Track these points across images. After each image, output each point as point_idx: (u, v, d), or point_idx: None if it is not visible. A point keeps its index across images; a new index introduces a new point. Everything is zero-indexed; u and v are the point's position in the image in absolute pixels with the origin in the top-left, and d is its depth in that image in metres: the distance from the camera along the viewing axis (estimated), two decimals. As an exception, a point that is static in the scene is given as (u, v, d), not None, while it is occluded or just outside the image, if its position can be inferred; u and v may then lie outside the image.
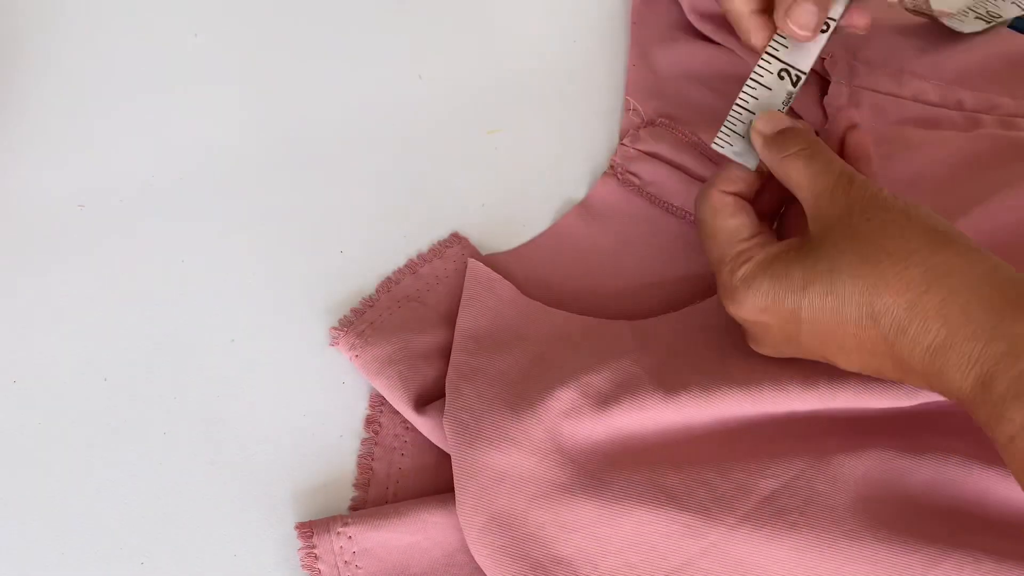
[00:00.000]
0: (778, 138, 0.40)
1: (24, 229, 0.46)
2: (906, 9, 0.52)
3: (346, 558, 0.38)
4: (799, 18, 0.41)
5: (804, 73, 0.43)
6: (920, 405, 0.39)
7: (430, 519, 0.38)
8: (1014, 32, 0.54)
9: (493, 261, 0.46)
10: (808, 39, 0.41)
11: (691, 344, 0.42)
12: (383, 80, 0.52)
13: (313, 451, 0.42)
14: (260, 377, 0.43)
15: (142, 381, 0.43)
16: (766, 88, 0.43)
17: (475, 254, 0.46)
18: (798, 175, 0.38)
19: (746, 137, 0.42)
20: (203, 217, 0.47)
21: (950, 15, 0.53)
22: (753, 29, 0.44)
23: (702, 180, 0.49)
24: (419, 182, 0.49)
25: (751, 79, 0.43)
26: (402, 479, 0.41)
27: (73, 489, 0.40)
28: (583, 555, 0.36)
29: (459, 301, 0.44)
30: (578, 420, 0.38)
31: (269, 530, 0.40)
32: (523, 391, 0.39)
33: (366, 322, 0.43)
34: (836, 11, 0.43)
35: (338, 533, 0.38)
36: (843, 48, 0.52)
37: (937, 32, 0.53)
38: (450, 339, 0.43)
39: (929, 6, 0.52)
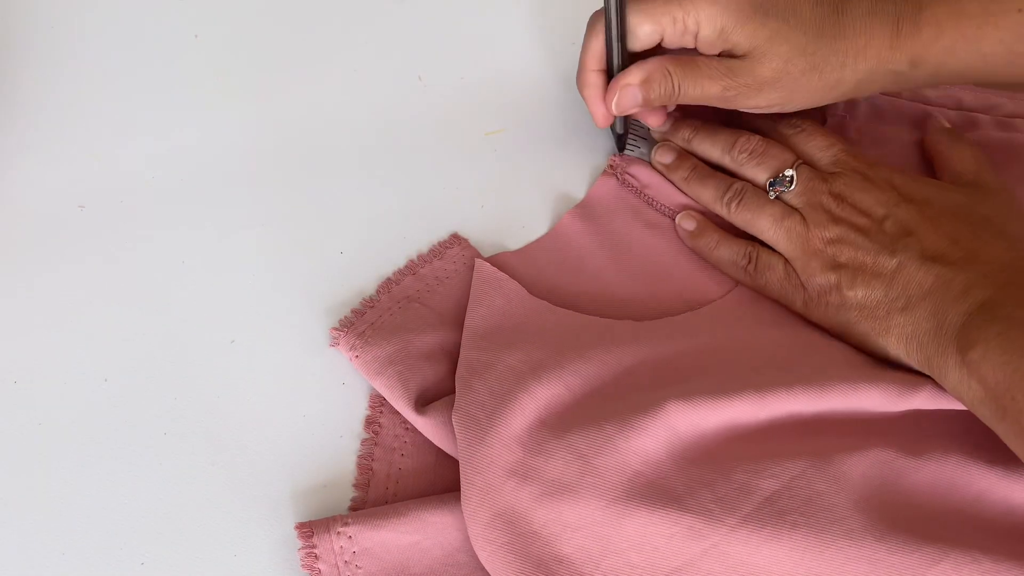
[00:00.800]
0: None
1: (24, 229, 0.46)
2: None
3: (346, 558, 0.38)
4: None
5: None
6: (915, 411, 0.39)
7: (430, 519, 0.38)
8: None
9: (496, 261, 0.46)
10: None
11: (696, 347, 0.43)
12: (383, 81, 0.52)
13: (313, 451, 0.42)
14: (260, 377, 0.43)
15: (142, 381, 0.43)
16: None
17: (475, 254, 0.46)
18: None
19: (647, 139, 0.50)
20: (203, 217, 0.47)
21: None
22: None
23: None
24: (419, 182, 0.49)
25: None
26: (402, 479, 0.41)
27: (73, 489, 0.40)
28: (585, 554, 0.36)
29: (460, 302, 0.44)
30: (585, 421, 0.38)
31: (269, 530, 0.40)
32: (533, 389, 0.39)
33: (366, 323, 0.43)
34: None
35: (338, 533, 0.38)
36: None
37: None
38: (451, 339, 0.43)
39: None
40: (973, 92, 0.50)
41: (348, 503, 0.41)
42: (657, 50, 0.45)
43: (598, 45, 0.44)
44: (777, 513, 0.36)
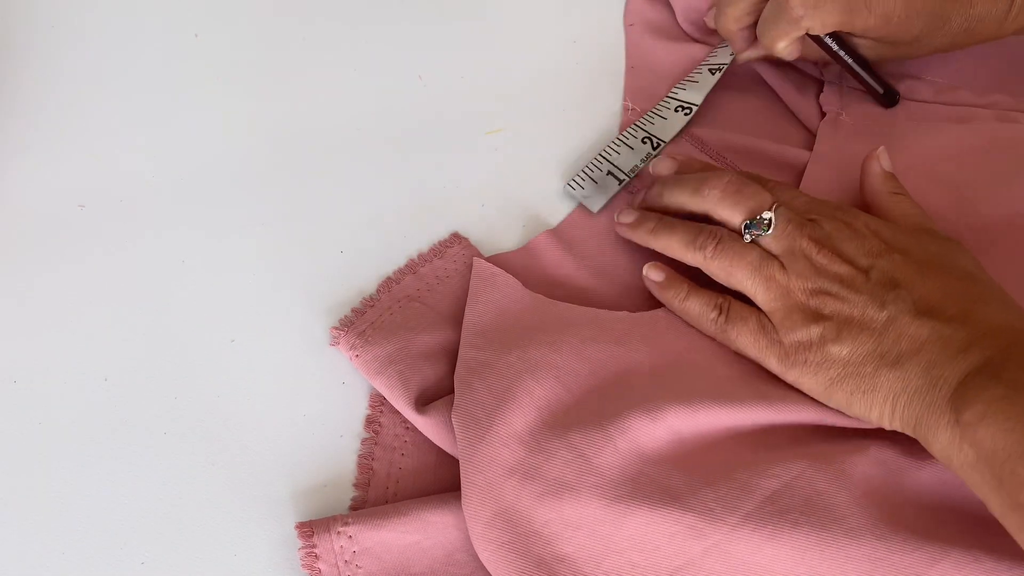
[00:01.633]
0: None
1: (24, 229, 0.46)
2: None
3: (346, 557, 0.38)
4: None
5: (664, 142, 0.50)
6: None
7: (430, 519, 0.38)
8: (1014, 36, 0.54)
9: (496, 260, 0.46)
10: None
11: (693, 341, 0.42)
12: (383, 80, 0.52)
13: (313, 451, 0.42)
14: (260, 377, 0.43)
15: (142, 381, 0.43)
16: (629, 148, 0.49)
17: (475, 254, 0.46)
18: None
19: (598, 183, 0.48)
20: (203, 217, 0.47)
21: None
22: (744, 43, 0.50)
23: None
24: (419, 182, 0.49)
25: (618, 138, 0.50)
26: (402, 479, 0.41)
27: (73, 489, 0.40)
28: (586, 553, 0.36)
29: (460, 301, 0.44)
30: (585, 419, 0.38)
31: (269, 530, 0.40)
32: (532, 388, 0.39)
33: (366, 322, 0.43)
34: (697, 99, 0.50)
35: (338, 533, 0.38)
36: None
37: None
38: (451, 338, 0.43)
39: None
40: (973, 89, 0.50)
41: (348, 503, 0.40)
42: None
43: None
44: (778, 512, 0.36)
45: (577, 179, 0.48)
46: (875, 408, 0.37)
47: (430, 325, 0.43)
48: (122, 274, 0.45)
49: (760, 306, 0.40)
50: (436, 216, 0.48)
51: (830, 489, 0.36)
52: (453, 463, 0.41)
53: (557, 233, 0.47)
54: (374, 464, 0.41)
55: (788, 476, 0.37)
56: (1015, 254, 0.44)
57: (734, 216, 0.41)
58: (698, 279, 0.43)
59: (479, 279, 0.44)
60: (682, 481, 0.37)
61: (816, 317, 0.39)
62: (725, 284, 0.42)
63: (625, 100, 0.52)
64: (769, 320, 0.40)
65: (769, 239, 0.40)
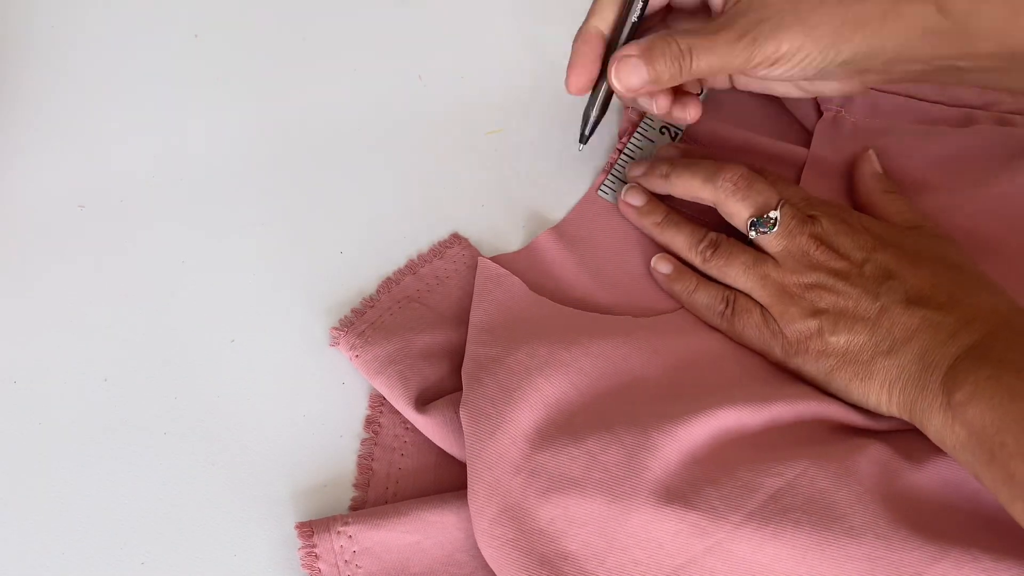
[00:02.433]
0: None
1: (24, 229, 0.46)
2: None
3: (346, 557, 0.38)
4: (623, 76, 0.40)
5: (681, 130, 0.50)
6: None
7: (430, 519, 0.38)
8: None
9: (497, 261, 0.46)
10: (625, 96, 0.42)
11: (701, 343, 0.43)
12: (383, 80, 0.52)
13: (313, 451, 0.42)
14: (260, 377, 0.43)
15: (142, 381, 0.43)
16: (649, 141, 0.50)
17: (475, 254, 0.46)
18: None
19: (627, 181, 0.47)
20: (203, 217, 0.47)
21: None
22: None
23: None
24: (419, 182, 0.49)
25: (637, 133, 0.50)
26: (402, 479, 0.41)
27: (73, 489, 0.40)
28: (589, 550, 0.36)
29: (460, 301, 0.44)
30: (592, 418, 0.38)
31: (269, 530, 0.40)
32: (540, 385, 0.39)
33: (366, 322, 0.43)
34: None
35: (338, 532, 0.38)
36: None
37: None
38: (451, 339, 0.43)
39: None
40: (972, 89, 0.50)
41: (348, 503, 0.41)
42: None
43: (611, 9, 0.42)
44: (780, 510, 0.36)
45: (608, 185, 0.48)
46: (872, 394, 0.39)
47: (430, 325, 0.43)
48: (122, 274, 0.45)
49: (759, 301, 0.42)
50: (436, 216, 0.48)
51: (831, 488, 0.36)
52: (453, 463, 0.41)
53: (559, 232, 0.47)
54: (374, 464, 0.41)
55: (791, 475, 0.37)
56: (1008, 255, 0.44)
57: (743, 211, 0.42)
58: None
59: (485, 279, 0.44)
60: (686, 479, 0.37)
61: (813, 310, 0.40)
62: (723, 282, 0.43)
63: (625, 100, 0.52)
64: (770, 314, 0.42)
65: (771, 237, 0.42)
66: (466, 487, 0.38)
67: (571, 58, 0.43)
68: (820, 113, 0.50)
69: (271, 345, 0.44)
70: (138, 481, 0.41)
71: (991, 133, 0.48)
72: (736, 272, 0.42)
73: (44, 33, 0.53)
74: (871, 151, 0.47)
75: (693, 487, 0.36)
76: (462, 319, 0.44)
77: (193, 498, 0.40)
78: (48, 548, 0.39)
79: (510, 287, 0.44)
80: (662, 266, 0.45)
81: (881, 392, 0.39)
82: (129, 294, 0.45)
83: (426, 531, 0.38)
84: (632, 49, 0.40)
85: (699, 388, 0.41)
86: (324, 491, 0.41)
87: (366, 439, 0.42)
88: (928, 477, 0.38)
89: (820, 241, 0.41)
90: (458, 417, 0.39)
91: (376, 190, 0.49)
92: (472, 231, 0.48)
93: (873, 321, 0.39)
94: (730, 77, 0.45)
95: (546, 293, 0.45)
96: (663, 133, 0.50)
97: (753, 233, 0.42)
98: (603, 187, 0.48)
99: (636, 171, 0.47)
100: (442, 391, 0.42)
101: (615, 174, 0.49)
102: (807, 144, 0.49)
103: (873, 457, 0.38)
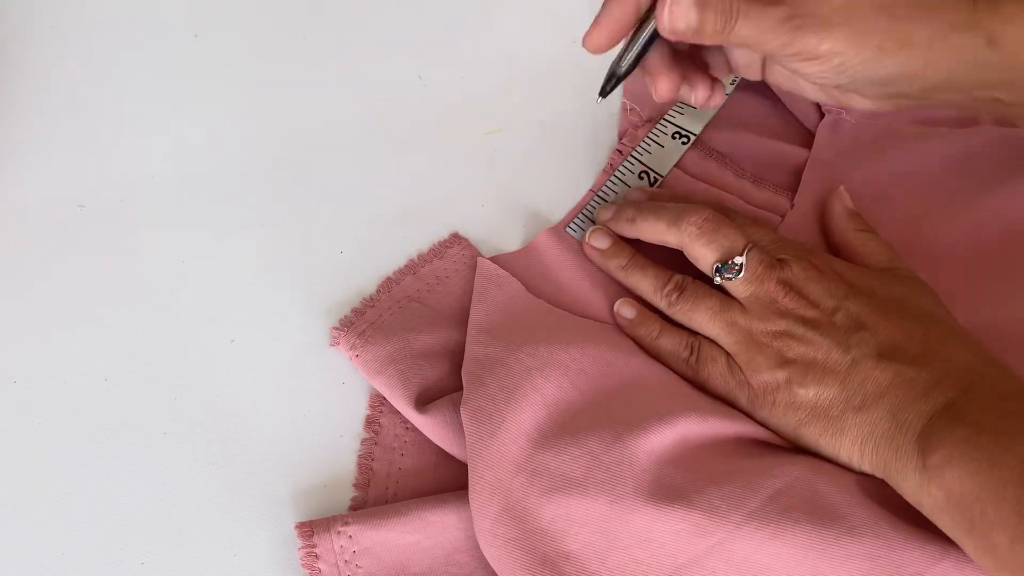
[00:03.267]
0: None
1: (24, 229, 0.46)
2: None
3: (346, 557, 0.38)
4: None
5: (662, 176, 0.48)
6: None
7: (430, 518, 0.38)
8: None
9: (497, 261, 0.46)
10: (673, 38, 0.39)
11: None
12: (383, 80, 0.52)
13: (313, 451, 0.42)
14: (260, 377, 0.43)
15: (142, 381, 0.43)
16: (625, 185, 0.48)
17: (475, 254, 0.46)
18: None
19: (595, 222, 0.46)
20: (203, 217, 0.47)
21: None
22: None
23: (699, 178, 0.49)
24: (419, 182, 0.49)
25: (615, 176, 0.48)
26: (402, 479, 0.41)
27: (73, 489, 0.40)
28: (591, 550, 0.36)
29: (460, 301, 0.44)
30: (594, 418, 0.38)
31: (269, 530, 0.40)
32: (541, 385, 0.39)
33: (366, 322, 0.43)
34: (696, 127, 0.49)
35: (338, 532, 0.38)
36: None
37: None
38: (451, 338, 0.43)
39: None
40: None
41: (348, 503, 0.41)
42: None
43: None
44: (781, 510, 0.36)
45: (576, 224, 0.47)
46: (843, 450, 0.37)
47: (430, 325, 0.43)
48: (122, 274, 0.45)
49: (725, 349, 0.40)
50: (436, 216, 0.48)
51: (832, 488, 0.36)
52: (453, 463, 0.41)
53: (558, 232, 0.47)
54: (374, 464, 0.41)
55: (790, 476, 0.37)
56: (1009, 259, 0.44)
57: (707, 255, 0.41)
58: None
59: (484, 279, 0.44)
60: (687, 479, 0.37)
61: (781, 360, 0.39)
62: (689, 327, 0.42)
63: (625, 100, 0.52)
64: (735, 362, 0.40)
65: (737, 283, 0.40)
66: (466, 487, 0.38)
67: (599, 15, 0.41)
68: (821, 113, 0.50)
69: (271, 345, 0.44)
70: (138, 481, 0.41)
71: (993, 134, 0.48)
72: (702, 318, 0.41)
73: (44, 33, 0.53)
74: (842, 188, 0.45)
75: (694, 487, 0.36)
76: (462, 319, 0.44)
77: (193, 498, 0.40)
78: (48, 548, 0.39)
79: (509, 288, 0.44)
80: (625, 311, 0.43)
81: (852, 449, 0.37)
82: (129, 294, 0.45)
83: (426, 531, 0.38)
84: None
85: (700, 389, 0.41)
86: (324, 491, 0.41)
87: (366, 439, 0.42)
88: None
89: (789, 287, 0.39)
90: (458, 417, 0.39)
91: (376, 190, 0.49)
92: (472, 231, 0.48)
93: (844, 374, 0.37)
94: (763, 67, 0.44)
95: (545, 293, 0.45)
96: (641, 178, 0.48)
97: (718, 279, 0.41)
98: (571, 225, 0.47)
99: (604, 215, 0.45)
100: (442, 391, 0.42)
101: (585, 214, 0.47)
102: (808, 144, 0.49)
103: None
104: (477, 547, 0.38)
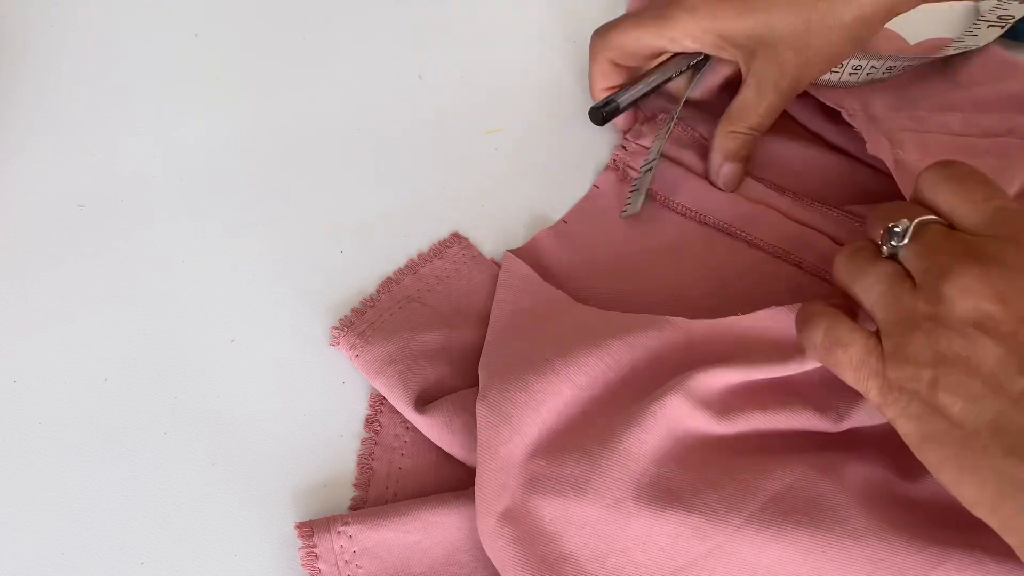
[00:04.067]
0: None
1: (24, 229, 0.46)
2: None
3: (346, 557, 0.38)
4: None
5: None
6: None
7: (431, 518, 0.38)
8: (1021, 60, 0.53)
9: (525, 251, 0.46)
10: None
11: (717, 348, 0.42)
12: (383, 80, 0.52)
13: (313, 451, 0.41)
14: (260, 377, 0.43)
15: (142, 381, 0.43)
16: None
17: (475, 254, 0.46)
18: None
19: (641, 191, 0.47)
20: (203, 217, 0.47)
21: (959, 39, 0.53)
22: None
23: (702, 175, 0.49)
24: (419, 182, 0.49)
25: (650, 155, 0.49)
26: (402, 479, 0.41)
27: (73, 489, 0.40)
28: (589, 551, 0.36)
29: (460, 301, 0.44)
30: (600, 422, 0.38)
31: (269, 530, 0.40)
32: (555, 386, 0.39)
33: (367, 322, 0.43)
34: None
35: (338, 532, 0.38)
36: (858, 101, 0.50)
37: (946, 78, 0.52)
38: (451, 339, 0.43)
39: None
40: (992, 115, 0.49)
41: (348, 503, 0.40)
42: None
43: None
44: (781, 512, 0.35)
45: (629, 203, 0.48)
46: (970, 490, 0.30)
47: (430, 325, 0.43)
48: (122, 274, 0.45)
49: (877, 325, 0.33)
50: (436, 216, 0.48)
51: (832, 490, 0.36)
52: (453, 463, 0.41)
53: (557, 230, 0.47)
54: (374, 464, 0.41)
55: (790, 478, 0.37)
56: None
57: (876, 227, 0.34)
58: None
59: (510, 274, 0.44)
60: (687, 482, 0.37)
61: (936, 358, 0.30)
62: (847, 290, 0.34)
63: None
64: (879, 345, 0.32)
65: (906, 251, 0.32)
66: (467, 487, 0.38)
67: (591, 87, 0.50)
68: (822, 114, 0.50)
69: (271, 345, 0.44)
70: (138, 481, 0.40)
71: (1018, 148, 0.47)
72: (867, 282, 0.33)
73: (43, 33, 0.53)
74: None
75: (694, 489, 0.36)
76: (462, 319, 0.44)
77: (193, 498, 0.40)
78: (48, 548, 0.39)
79: (534, 286, 0.44)
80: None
81: (983, 492, 0.29)
82: (129, 294, 0.45)
83: (427, 531, 0.38)
84: (724, 157, 0.47)
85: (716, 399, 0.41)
86: (324, 491, 0.41)
87: (366, 439, 0.42)
88: (929, 480, 0.38)
89: (980, 265, 0.30)
90: (458, 417, 0.39)
91: (376, 190, 0.49)
92: (472, 231, 0.48)
93: (1013, 402, 0.28)
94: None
95: (560, 285, 0.45)
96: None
97: (886, 250, 0.33)
98: (626, 209, 0.47)
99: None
100: (442, 391, 0.42)
101: (632, 188, 0.48)
102: (807, 143, 0.49)
103: (875, 459, 0.38)
104: (478, 547, 0.38)
